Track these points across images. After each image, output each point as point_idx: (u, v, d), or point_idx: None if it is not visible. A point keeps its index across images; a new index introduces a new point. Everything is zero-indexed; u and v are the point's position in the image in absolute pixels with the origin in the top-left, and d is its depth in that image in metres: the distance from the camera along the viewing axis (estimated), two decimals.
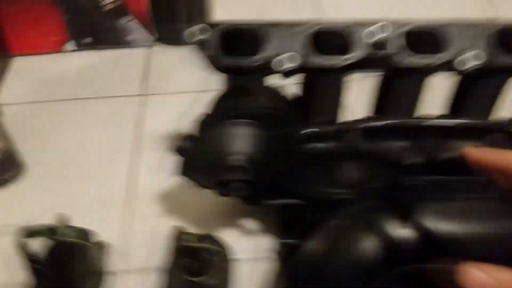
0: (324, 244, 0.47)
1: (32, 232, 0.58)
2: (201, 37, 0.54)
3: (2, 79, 0.98)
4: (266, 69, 0.53)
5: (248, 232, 0.72)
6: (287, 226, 0.64)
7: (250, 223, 0.73)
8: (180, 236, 0.63)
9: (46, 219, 0.64)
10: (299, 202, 0.58)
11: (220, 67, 0.55)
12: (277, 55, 0.53)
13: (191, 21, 0.51)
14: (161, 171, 0.81)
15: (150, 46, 1.04)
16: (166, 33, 1.03)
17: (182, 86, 0.98)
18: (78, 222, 0.63)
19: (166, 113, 0.92)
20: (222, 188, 0.55)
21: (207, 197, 0.75)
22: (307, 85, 0.59)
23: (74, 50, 1.03)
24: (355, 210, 0.48)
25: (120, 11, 0.99)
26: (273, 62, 0.54)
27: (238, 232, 0.72)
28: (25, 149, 0.82)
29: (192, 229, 0.71)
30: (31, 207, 0.77)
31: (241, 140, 0.53)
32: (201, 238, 0.62)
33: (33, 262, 0.62)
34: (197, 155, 0.56)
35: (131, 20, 1.01)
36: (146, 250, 0.71)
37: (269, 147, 0.55)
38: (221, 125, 0.54)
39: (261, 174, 0.54)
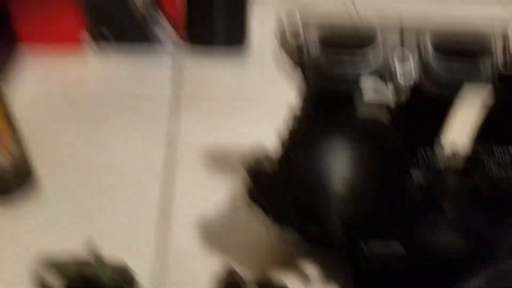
0: None
1: (55, 265, 0.45)
2: (297, 41, 0.41)
3: (14, 76, 0.85)
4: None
5: (308, 280, 0.59)
6: (366, 277, 0.51)
7: (311, 269, 0.61)
8: (232, 279, 0.50)
9: (63, 247, 0.51)
10: (398, 252, 0.46)
11: (322, 78, 0.42)
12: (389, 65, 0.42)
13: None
14: (200, 194, 0.69)
15: (180, 50, 0.93)
16: (200, 36, 0.92)
17: (219, 94, 0.87)
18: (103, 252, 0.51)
19: (202, 126, 0.80)
20: (312, 224, 0.42)
21: (259, 231, 0.64)
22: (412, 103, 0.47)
23: (96, 50, 0.91)
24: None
25: (151, 10, 0.88)
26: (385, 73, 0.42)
27: (296, 280, 0.59)
28: (39, 162, 0.70)
29: (239, 270, 0.59)
30: (46, 232, 0.64)
31: (341, 164, 0.41)
32: (263, 285, 0.49)
33: None
34: (281, 182, 0.44)
35: (162, 21, 0.89)
36: None
37: (378, 175, 0.42)
38: (316, 145, 0.42)
39: (363, 208, 0.41)
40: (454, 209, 0.48)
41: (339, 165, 0.41)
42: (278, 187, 0.44)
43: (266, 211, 0.48)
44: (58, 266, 0.45)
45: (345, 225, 0.41)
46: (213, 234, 0.64)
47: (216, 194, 0.69)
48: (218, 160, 0.75)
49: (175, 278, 0.59)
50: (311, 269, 0.60)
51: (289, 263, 0.61)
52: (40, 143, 0.72)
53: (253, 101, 0.86)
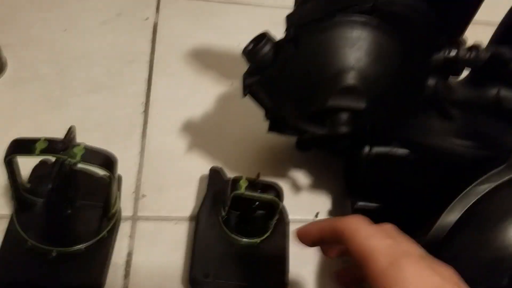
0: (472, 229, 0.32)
1: (27, 147, 0.39)
2: None
3: None
4: None
5: (302, 187, 0.56)
6: (363, 184, 0.48)
7: (305, 176, 0.57)
8: (235, 182, 0.46)
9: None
10: (406, 155, 0.42)
11: None
12: None
13: None
14: (182, 93, 0.63)
15: None
16: None
17: None
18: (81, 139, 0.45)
19: (187, 20, 0.73)
20: (320, 120, 0.38)
21: (253, 132, 0.60)
22: None
23: None
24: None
25: None
26: None
27: (290, 186, 0.56)
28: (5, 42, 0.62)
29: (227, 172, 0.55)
30: (17, 115, 0.57)
31: (356, 50, 0.36)
32: (264, 187, 0.45)
33: (23, 190, 0.44)
34: (282, 70, 0.38)
35: None
36: (173, 194, 0.54)
37: (396, 67, 0.37)
38: (326, 26, 0.36)
39: (376, 105, 0.37)
40: (464, 117, 0.44)
41: (353, 53, 0.36)
42: (281, 74, 0.38)
43: (263, 101, 0.42)
44: (29, 149, 0.39)
45: (352, 119, 0.36)
46: (198, 136, 0.60)
47: (199, 93, 0.64)
48: (201, 59, 0.69)
49: (158, 179, 0.55)
50: (302, 176, 0.57)
51: (281, 171, 0.58)
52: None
53: None
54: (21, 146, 0.39)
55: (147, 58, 0.67)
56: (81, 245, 0.44)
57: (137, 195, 0.53)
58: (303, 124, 0.42)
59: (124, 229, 0.50)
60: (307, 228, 0.36)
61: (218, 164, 0.57)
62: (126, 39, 0.69)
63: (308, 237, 0.37)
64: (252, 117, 0.62)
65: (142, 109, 0.61)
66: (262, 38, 0.38)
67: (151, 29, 0.71)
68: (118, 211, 0.48)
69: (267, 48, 0.38)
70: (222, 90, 0.65)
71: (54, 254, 0.43)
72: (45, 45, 0.66)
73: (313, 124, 0.40)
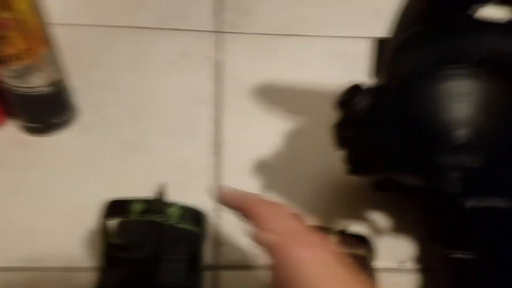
0: None
1: (124, 209, 0.39)
2: None
3: None
4: None
5: (381, 231, 0.54)
6: (452, 233, 0.46)
7: (383, 218, 0.56)
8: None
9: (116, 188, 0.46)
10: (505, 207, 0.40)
11: None
12: None
13: None
14: (253, 132, 0.63)
15: None
16: None
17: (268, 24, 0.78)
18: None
19: (249, 56, 0.72)
20: (424, 175, 0.36)
21: (326, 169, 0.59)
22: None
23: None
24: None
25: None
26: None
27: (369, 231, 0.54)
28: (75, 86, 0.62)
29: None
30: (95, 161, 0.58)
31: (467, 105, 0.34)
32: (354, 240, 0.44)
33: (113, 247, 0.44)
34: (382, 123, 0.37)
35: None
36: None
37: (510, 120, 0.36)
38: (434, 79, 0.35)
39: (490, 160, 0.35)
40: None
41: (464, 107, 0.34)
42: (381, 127, 0.37)
43: (356, 152, 0.41)
44: (124, 210, 0.39)
45: (464, 178, 0.34)
46: (272, 175, 0.59)
47: (268, 130, 0.64)
48: (266, 95, 0.68)
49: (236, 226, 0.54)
50: (380, 219, 0.56)
51: (359, 212, 0.56)
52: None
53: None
54: (118, 208, 0.39)
55: (212, 98, 0.67)
56: None
57: (216, 244, 0.53)
58: (400, 177, 0.40)
59: (205, 279, 0.50)
60: (232, 193, 0.39)
61: (292, 205, 0.56)
62: (191, 78, 0.69)
63: (227, 199, 0.39)
64: (323, 155, 0.61)
65: (213, 150, 0.61)
66: (358, 89, 0.37)
67: (213, 67, 0.71)
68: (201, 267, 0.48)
69: (364, 101, 0.36)
70: (291, 127, 0.64)
71: None
72: (113, 87, 0.66)
73: (413, 178, 0.39)
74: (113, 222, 0.48)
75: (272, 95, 0.68)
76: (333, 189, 0.58)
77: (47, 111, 0.57)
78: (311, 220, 0.53)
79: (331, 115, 0.66)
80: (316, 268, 0.32)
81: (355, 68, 0.73)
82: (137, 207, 0.39)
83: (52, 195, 0.55)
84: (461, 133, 0.34)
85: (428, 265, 0.49)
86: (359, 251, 0.43)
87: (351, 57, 0.74)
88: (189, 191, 0.45)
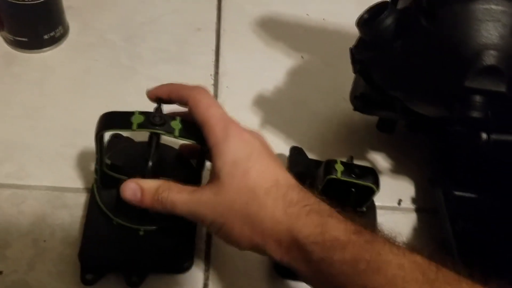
0: None
1: (123, 122, 0.36)
2: None
3: None
4: None
5: (383, 171, 0.53)
6: (467, 173, 0.45)
7: (386, 159, 0.54)
8: (330, 165, 0.43)
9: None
10: None
11: None
12: None
13: None
14: (254, 66, 0.60)
15: None
16: None
17: None
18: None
19: None
20: (444, 102, 0.34)
21: (328, 109, 0.57)
22: None
23: None
24: None
25: None
26: None
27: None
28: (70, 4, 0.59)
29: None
30: (85, 83, 0.55)
31: (500, 26, 0.31)
32: (361, 171, 0.42)
33: (109, 167, 0.42)
34: (409, 45, 0.34)
35: None
36: None
37: None
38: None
39: None
40: None
41: (496, 28, 0.32)
42: (406, 50, 0.34)
43: (373, 78, 0.39)
44: (126, 122, 0.36)
45: (488, 104, 0.33)
46: (271, 112, 0.57)
47: (269, 66, 0.61)
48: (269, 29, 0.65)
49: None
50: (382, 159, 0.54)
51: (360, 152, 0.54)
52: None
53: None
54: (116, 121, 0.37)
55: (213, 26, 0.63)
56: (167, 223, 0.42)
57: None
58: (420, 106, 0.38)
59: None
60: (159, 86, 0.42)
61: (291, 141, 0.54)
62: (191, 5, 0.65)
63: (156, 92, 0.41)
64: (325, 93, 0.60)
65: (211, 81, 0.58)
66: (384, 7, 0.34)
67: None
68: None
69: (390, 19, 0.34)
70: (292, 63, 0.62)
71: (141, 233, 0.41)
72: (110, 9, 0.62)
73: (434, 106, 0.37)
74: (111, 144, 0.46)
75: (277, 30, 0.65)
76: (335, 129, 0.56)
77: (37, 24, 0.54)
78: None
79: (338, 54, 0.64)
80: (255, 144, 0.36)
81: (364, 7, 0.71)
82: (137, 120, 0.36)
83: (42, 114, 0.52)
84: (490, 56, 0.32)
85: (429, 204, 0.48)
86: (366, 182, 0.42)
87: None
88: None
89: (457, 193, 0.43)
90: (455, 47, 0.33)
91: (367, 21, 0.35)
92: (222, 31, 0.63)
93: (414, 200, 0.51)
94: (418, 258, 0.30)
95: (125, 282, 0.40)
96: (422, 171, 0.53)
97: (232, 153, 0.35)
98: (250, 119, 0.56)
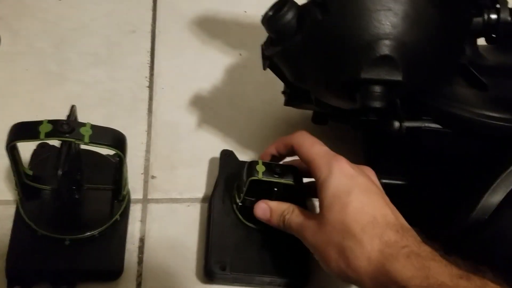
0: None
1: (30, 131, 0.36)
2: None
3: None
4: None
5: None
6: (389, 160, 0.45)
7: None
8: (251, 166, 0.43)
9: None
10: (438, 129, 0.39)
11: None
12: None
13: None
14: (189, 66, 0.59)
15: None
16: None
17: None
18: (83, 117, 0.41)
19: None
20: (348, 93, 0.34)
21: (265, 104, 0.57)
22: None
23: None
24: None
25: None
26: None
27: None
28: None
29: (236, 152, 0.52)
30: (13, 92, 0.54)
31: (392, 15, 0.31)
32: (283, 170, 0.42)
33: (26, 177, 0.41)
34: (308, 38, 0.34)
35: None
36: (184, 174, 0.51)
37: (435, 32, 0.33)
38: None
39: (413, 75, 0.33)
40: (496, 85, 0.41)
41: (388, 17, 0.32)
42: (307, 43, 0.34)
43: (285, 73, 0.39)
44: (32, 133, 0.36)
45: (386, 93, 0.33)
46: (207, 110, 0.56)
47: (206, 64, 0.60)
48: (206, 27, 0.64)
49: (167, 159, 0.52)
50: None
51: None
52: None
53: None
54: (24, 131, 0.36)
55: (148, 28, 0.63)
56: (94, 231, 0.41)
57: (146, 177, 0.50)
58: (328, 98, 0.38)
59: (134, 212, 0.47)
60: (267, 149, 0.46)
61: (229, 140, 0.54)
62: (124, 7, 0.64)
63: (267, 154, 0.45)
64: (263, 89, 0.59)
65: (146, 83, 0.57)
66: (284, 3, 0.34)
67: None
68: (128, 193, 0.46)
69: (290, 15, 0.34)
70: (230, 61, 0.61)
71: (67, 242, 0.41)
72: (40, 17, 0.61)
73: (340, 98, 0.37)
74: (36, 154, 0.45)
75: (214, 28, 0.64)
76: (272, 124, 0.56)
77: None
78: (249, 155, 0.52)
79: None
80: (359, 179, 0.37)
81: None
82: (44, 129, 0.35)
83: None
84: (382, 45, 0.32)
85: None
86: (287, 180, 0.42)
87: None
88: (118, 124, 0.42)
89: (384, 180, 0.43)
90: (348, 39, 0.33)
91: (270, 18, 0.35)
92: (157, 32, 0.62)
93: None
94: None
95: None
96: (356, 161, 0.53)
97: (334, 187, 0.37)
98: (186, 119, 0.55)
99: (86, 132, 0.36)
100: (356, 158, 0.54)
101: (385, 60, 0.32)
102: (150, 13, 0.64)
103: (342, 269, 0.35)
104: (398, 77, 0.32)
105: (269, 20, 0.35)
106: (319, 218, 0.37)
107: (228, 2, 0.68)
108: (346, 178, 0.37)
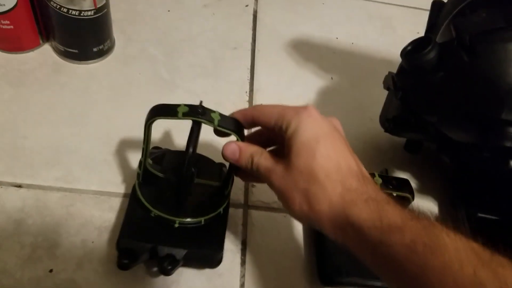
0: None
1: (170, 111, 0.40)
2: None
3: None
4: None
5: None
6: (481, 194, 0.47)
7: (410, 179, 0.56)
8: None
9: None
10: None
11: None
12: None
13: None
14: (279, 74, 0.63)
15: None
16: None
17: None
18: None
19: (286, 8, 0.72)
20: (477, 130, 0.37)
21: (355, 128, 0.60)
22: None
23: None
24: None
25: None
26: None
27: None
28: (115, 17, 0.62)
29: None
30: (129, 93, 0.58)
31: None
32: (398, 183, 0.45)
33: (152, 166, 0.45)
34: (449, 76, 0.37)
35: None
36: None
37: None
38: (509, 36, 0.35)
39: None
40: None
41: None
42: (446, 80, 0.37)
43: (409, 103, 0.41)
44: (171, 111, 0.40)
45: None
46: None
47: (300, 85, 0.64)
48: (300, 50, 0.68)
49: None
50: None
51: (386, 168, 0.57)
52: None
53: None
54: (164, 110, 0.40)
55: (248, 46, 0.67)
56: (201, 218, 0.45)
57: (247, 184, 0.54)
58: (453, 131, 0.41)
59: (236, 216, 0.51)
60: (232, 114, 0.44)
61: None
62: (227, 25, 0.69)
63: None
64: (352, 114, 0.62)
65: (246, 97, 0.61)
66: (428, 42, 0.37)
67: (251, 17, 0.70)
68: (229, 193, 0.49)
69: (433, 53, 0.37)
70: (322, 84, 0.65)
71: (176, 225, 0.44)
72: (150, 24, 0.66)
73: (467, 133, 0.40)
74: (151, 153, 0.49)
75: (308, 51, 0.68)
76: (361, 148, 0.59)
77: (87, 37, 0.57)
78: None
79: (366, 76, 0.67)
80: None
81: (389, 32, 0.74)
82: (182, 110, 0.39)
83: (86, 121, 0.55)
84: None
85: (451, 224, 0.51)
86: (403, 193, 0.44)
87: (386, 21, 0.74)
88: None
89: (480, 214, 0.45)
90: (493, 82, 0.36)
91: (410, 52, 0.38)
92: (256, 50, 0.66)
93: (437, 220, 0.54)
94: (473, 244, 0.32)
95: (158, 270, 0.43)
96: (445, 192, 0.55)
97: (303, 134, 0.38)
98: None
99: (215, 117, 0.40)
100: (445, 189, 0.56)
101: None
102: (251, 32, 0.68)
103: (305, 212, 0.37)
104: None
105: (409, 54, 0.38)
106: (286, 163, 0.38)
107: (322, 28, 0.72)
108: (315, 126, 0.38)
